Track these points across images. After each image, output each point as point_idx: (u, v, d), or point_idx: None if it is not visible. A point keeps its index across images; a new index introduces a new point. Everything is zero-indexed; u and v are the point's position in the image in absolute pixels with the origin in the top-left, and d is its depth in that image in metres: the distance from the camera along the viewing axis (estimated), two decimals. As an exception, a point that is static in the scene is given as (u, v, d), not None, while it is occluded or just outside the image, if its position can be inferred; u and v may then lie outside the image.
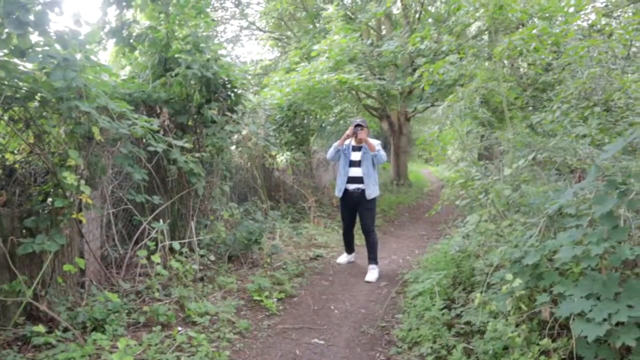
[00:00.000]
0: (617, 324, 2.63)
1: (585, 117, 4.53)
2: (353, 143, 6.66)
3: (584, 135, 4.59)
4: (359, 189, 6.52)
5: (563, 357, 3.09)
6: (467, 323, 4.33)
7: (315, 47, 9.64)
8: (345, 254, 7.21)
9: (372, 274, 6.38)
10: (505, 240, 3.94)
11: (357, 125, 6.49)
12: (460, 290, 5.11)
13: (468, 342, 4.02)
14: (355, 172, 6.56)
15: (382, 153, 6.49)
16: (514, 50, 5.59)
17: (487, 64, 5.68)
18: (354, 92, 14.44)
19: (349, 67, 9.04)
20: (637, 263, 3.23)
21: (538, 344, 3.14)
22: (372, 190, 6.49)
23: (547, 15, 7.51)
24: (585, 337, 2.77)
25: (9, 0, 3.42)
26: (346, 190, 6.57)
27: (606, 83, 4.79)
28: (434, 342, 4.15)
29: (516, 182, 4.41)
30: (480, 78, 6.06)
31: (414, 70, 9.22)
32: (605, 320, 2.63)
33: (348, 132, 6.51)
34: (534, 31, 4.99)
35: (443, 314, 4.61)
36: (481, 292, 3.66)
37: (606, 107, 4.71)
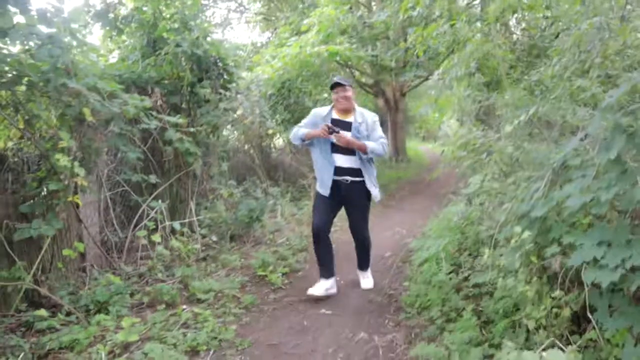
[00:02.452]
0: (632, 269, 2.57)
1: (586, 69, 4.43)
2: (335, 115, 4.63)
3: (584, 90, 4.50)
4: (348, 180, 4.57)
5: (575, 310, 3.04)
6: (476, 285, 4.28)
7: (305, 21, 9.50)
8: (321, 280, 4.74)
9: (369, 280, 5.03)
10: (510, 197, 3.87)
11: (337, 85, 4.55)
12: (466, 256, 5.07)
13: (477, 305, 3.98)
14: (344, 161, 4.54)
15: (379, 145, 4.53)
16: (507, 10, 5.47)
17: (478, 24, 5.56)
18: (347, 70, 14.29)
19: (340, 39, 8.90)
20: (646, 210, 3.17)
21: (550, 297, 3.09)
22: (375, 192, 4.68)
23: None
24: (599, 287, 2.72)
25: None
26: (334, 182, 4.58)
27: (605, 34, 4.68)
28: (443, 305, 4.11)
29: (518, 140, 4.33)
30: (473, 42, 5.94)
31: (406, 40, 9.09)
32: (618, 266, 2.57)
33: (320, 132, 4.43)
34: (529, -14, 4.88)
35: (450, 279, 4.57)
36: (489, 248, 3.60)
37: (606, 59, 4.60)
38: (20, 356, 3.30)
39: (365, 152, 4.45)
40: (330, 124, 4.38)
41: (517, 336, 3.30)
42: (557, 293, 3.00)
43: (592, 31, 4.71)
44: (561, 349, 2.67)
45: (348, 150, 4.46)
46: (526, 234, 3.13)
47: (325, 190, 4.57)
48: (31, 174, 4.34)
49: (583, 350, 2.88)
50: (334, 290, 4.74)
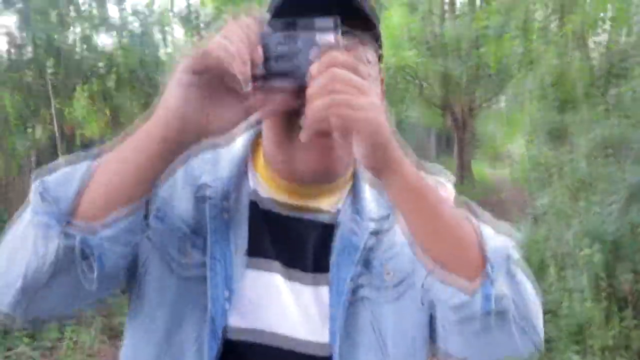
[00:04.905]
0: None
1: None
2: (264, 189, 0.77)
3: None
4: None
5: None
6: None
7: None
8: None
9: None
10: (580, 217, 3.75)
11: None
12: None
13: (539, 325, 3.87)
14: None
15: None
16: (586, 24, 5.30)
17: (555, 40, 5.42)
18: (416, 82, 14.21)
19: (408, 46, 8.86)
20: None
21: (620, 319, 2.96)
22: None
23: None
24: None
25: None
26: None
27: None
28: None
29: (592, 159, 4.20)
30: (549, 58, 5.79)
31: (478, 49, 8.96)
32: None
33: None
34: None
35: (511, 297, 4.46)
36: (556, 266, 3.50)
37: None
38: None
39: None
40: None
41: (581, 358, 3.18)
42: (628, 312, 2.88)
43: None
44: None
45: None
46: (596, 252, 3.03)
47: None
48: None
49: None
50: None
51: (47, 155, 4.20)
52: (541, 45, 6.10)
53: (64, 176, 0.60)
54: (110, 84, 4.30)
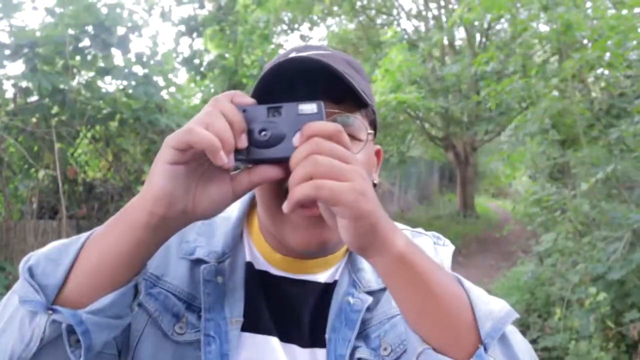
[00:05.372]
0: None
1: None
2: (261, 259, 0.79)
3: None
4: None
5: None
6: (545, 349, 4.07)
7: (376, 72, 9.71)
8: None
9: None
10: (585, 257, 3.71)
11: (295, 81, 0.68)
12: (536, 317, 4.85)
13: (546, 369, 3.79)
14: None
15: None
16: (585, 67, 5.37)
17: (555, 80, 5.48)
18: (418, 122, 14.34)
19: (410, 88, 8.95)
20: None
21: (628, 366, 2.90)
22: None
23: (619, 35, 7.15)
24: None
25: (96, 25, 3.69)
26: None
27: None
28: (508, 367, 3.92)
29: (595, 199, 4.18)
30: (548, 99, 5.85)
31: (478, 93, 9.03)
32: None
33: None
34: (609, 43, 4.77)
35: (517, 340, 4.37)
36: (561, 309, 3.44)
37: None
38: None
39: None
40: None
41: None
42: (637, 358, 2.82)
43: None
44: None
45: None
46: (602, 296, 2.99)
47: None
48: (114, 203, 4.63)
49: None
50: None
51: (49, 199, 4.22)
52: (540, 82, 6.17)
53: (51, 263, 0.60)
54: (113, 128, 4.35)
